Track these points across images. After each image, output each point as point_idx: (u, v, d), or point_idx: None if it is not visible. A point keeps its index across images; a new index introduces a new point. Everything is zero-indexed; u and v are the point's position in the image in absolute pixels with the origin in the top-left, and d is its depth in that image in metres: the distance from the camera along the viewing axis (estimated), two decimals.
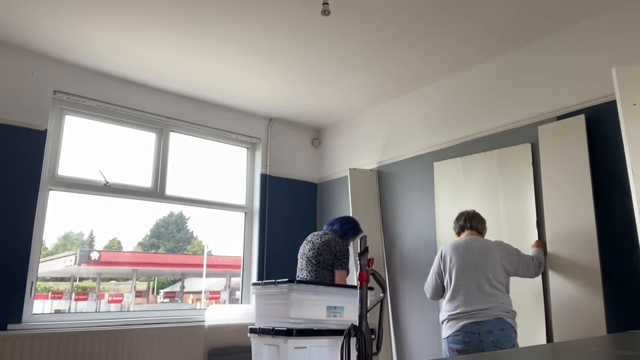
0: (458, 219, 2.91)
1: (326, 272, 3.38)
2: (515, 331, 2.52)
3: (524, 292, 2.99)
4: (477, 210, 2.95)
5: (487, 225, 2.95)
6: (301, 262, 3.50)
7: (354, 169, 4.32)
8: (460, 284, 2.63)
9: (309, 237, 3.56)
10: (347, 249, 3.46)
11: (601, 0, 2.84)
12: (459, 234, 2.88)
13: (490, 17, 3.02)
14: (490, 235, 2.99)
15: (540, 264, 2.75)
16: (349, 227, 3.57)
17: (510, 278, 2.71)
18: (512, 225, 3.16)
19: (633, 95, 2.52)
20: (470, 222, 2.84)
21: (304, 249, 3.52)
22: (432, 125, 3.91)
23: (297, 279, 3.43)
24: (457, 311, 2.58)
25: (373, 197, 4.25)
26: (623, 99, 2.53)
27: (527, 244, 3.00)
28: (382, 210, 4.21)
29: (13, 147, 3.34)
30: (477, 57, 3.53)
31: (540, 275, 2.93)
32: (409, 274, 3.84)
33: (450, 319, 2.60)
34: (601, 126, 2.87)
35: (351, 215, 4.02)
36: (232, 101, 4.39)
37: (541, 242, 2.96)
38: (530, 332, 2.91)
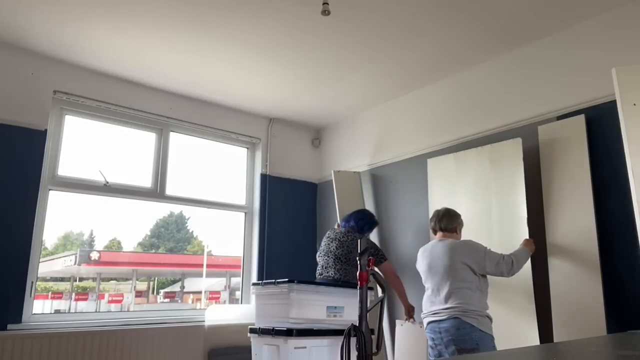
0: (431, 219, 2.94)
1: (355, 270, 3.39)
2: (479, 329, 2.50)
3: (515, 292, 2.97)
4: (470, 206, 2.94)
5: (479, 221, 2.93)
6: (326, 260, 3.47)
7: (339, 171, 4.35)
8: (428, 286, 2.76)
9: (332, 235, 3.56)
10: (374, 243, 3.61)
11: (601, 0, 2.84)
12: (434, 233, 2.92)
13: (490, 17, 3.02)
14: (482, 231, 2.97)
15: (512, 262, 2.65)
16: (364, 222, 3.65)
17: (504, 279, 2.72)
18: (503, 221, 3.12)
19: (633, 95, 2.51)
20: (440, 223, 2.85)
21: (330, 247, 3.49)
22: (432, 125, 3.91)
23: (320, 276, 3.45)
24: (425, 311, 2.73)
25: (359, 198, 4.29)
26: (623, 99, 2.53)
27: (517, 239, 2.94)
28: (381, 211, 4.20)
29: (13, 147, 3.34)
30: (477, 57, 3.53)
31: (531, 275, 2.87)
32: (410, 273, 3.84)
33: (423, 317, 2.77)
34: (601, 126, 2.87)
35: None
36: (232, 101, 4.39)
37: (529, 241, 2.89)
38: (522, 332, 2.90)
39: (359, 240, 2.52)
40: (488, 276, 2.71)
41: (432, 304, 2.69)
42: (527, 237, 2.94)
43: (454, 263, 2.63)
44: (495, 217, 3.16)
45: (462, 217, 2.93)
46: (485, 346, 2.50)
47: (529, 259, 2.87)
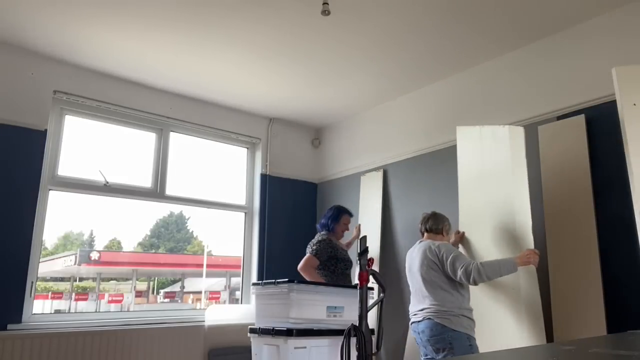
0: (419, 222, 2.96)
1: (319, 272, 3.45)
2: (452, 329, 2.52)
3: (518, 292, 2.89)
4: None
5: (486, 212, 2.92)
6: None
7: (364, 172, 4.38)
8: (410, 288, 2.82)
9: None
10: (322, 240, 3.51)
11: (601, 0, 2.84)
12: (422, 235, 2.94)
13: (491, 18, 3.02)
14: (483, 226, 2.93)
15: (472, 271, 2.51)
16: (326, 219, 3.66)
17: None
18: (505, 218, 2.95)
19: (633, 95, 2.51)
20: (425, 224, 2.89)
21: None
22: (432, 125, 3.91)
23: None
24: (410, 312, 2.79)
25: (379, 199, 4.27)
26: (623, 99, 2.52)
27: (520, 239, 2.82)
28: (386, 211, 4.20)
29: (13, 147, 3.34)
30: (477, 57, 3.53)
31: (535, 275, 2.72)
32: None
33: (410, 317, 2.82)
34: (601, 126, 2.87)
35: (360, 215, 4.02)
36: (232, 101, 4.39)
37: (528, 254, 2.63)
38: (522, 332, 2.89)
39: (359, 241, 2.52)
40: None
41: (412, 305, 2.78)
42: (532, 239, 2.73)
43: (426, 265, 2.68)
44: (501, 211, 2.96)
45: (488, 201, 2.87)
46: (460, 346, 2.51)
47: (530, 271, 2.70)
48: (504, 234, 2.95)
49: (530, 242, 2.78)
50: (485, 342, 2.73)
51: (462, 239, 3.09)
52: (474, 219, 3.10)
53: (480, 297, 2.90)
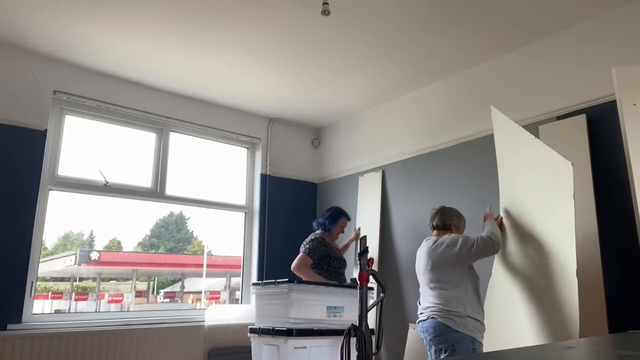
0: (429, 219, 2.92)
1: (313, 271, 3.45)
2: (455, 330, 2.47)
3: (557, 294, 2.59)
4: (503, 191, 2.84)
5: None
6: None
7: (362, 173, 4.38)
8: (419, 285, 2.80)
9: None
10: (314, 238, 3.55)
11: (601, 0, 2.84)
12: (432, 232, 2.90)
13: (491, 18, 3.02)
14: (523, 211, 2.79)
15: (490, 239, 2.59)
16: (324, 219, 3.72)
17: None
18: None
19: (633, 95, 2.51)
20: (433, 221, 2.84)
21: None
22: (432, 125, 3.91)
23: None
24: (418, 310, 2.77)
25: (378, 199, 4.26)
26: (623, 99, 2.52)
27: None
28: (385, 211, 4.20)
29: (13, 147, 3.34)
30: (477, 57, 3.52)
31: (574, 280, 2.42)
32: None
33: None
34: (602, 126, 2.87)
35: (358, 214, 4.02)
36: (232, 101, 4.39)
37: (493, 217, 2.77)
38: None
39: (359, 241, 2.53)
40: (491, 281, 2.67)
41: (420, 303, 2.75)
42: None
43: (434, 262, 2.65)
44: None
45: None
46: (462, 347, 2.46)
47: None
48: (545, 224, 2.69)
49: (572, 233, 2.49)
50: (509, 342, 2.65)
51: (501, 225, 2.90)
52: (515, 204, 2.88)
53: (510, 296, 2.77)
